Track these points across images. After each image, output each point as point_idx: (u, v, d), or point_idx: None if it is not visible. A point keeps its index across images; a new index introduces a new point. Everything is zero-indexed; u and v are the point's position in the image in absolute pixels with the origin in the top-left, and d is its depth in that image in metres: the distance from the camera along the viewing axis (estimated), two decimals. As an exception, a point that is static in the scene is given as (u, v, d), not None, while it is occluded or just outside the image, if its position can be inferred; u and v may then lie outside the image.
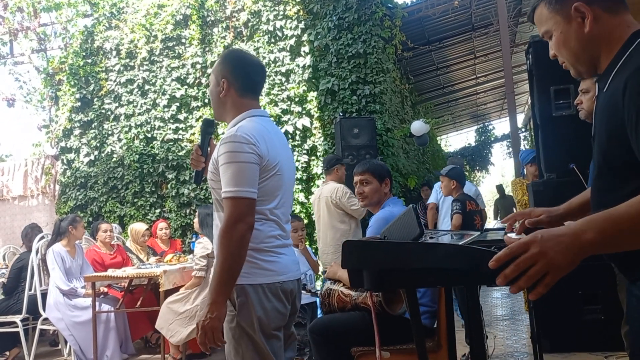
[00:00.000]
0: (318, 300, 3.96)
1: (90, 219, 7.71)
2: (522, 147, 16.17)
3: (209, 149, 2.15)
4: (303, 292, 4.00)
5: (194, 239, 6.12)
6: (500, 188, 12.93)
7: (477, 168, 18.28)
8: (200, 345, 1.80)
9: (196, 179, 2.18)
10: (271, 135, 1.98)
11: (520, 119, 17.01)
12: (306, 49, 7.18)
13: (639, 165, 1.19)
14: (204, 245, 4.58)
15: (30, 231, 5.85)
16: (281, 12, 7.33)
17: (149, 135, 7.83)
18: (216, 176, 1.91)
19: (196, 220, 5.08)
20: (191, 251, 5.86)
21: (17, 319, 5.15)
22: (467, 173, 18.69)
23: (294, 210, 6.78)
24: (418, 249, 1.24)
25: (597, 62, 1.35)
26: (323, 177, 6.91)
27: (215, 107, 2.09)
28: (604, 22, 1.31)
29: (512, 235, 1.60)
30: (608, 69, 1.32)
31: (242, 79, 2.02)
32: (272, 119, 7.29)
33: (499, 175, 34.15)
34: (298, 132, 7.08)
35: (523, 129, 16.68)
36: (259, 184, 1.87)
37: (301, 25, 7.23)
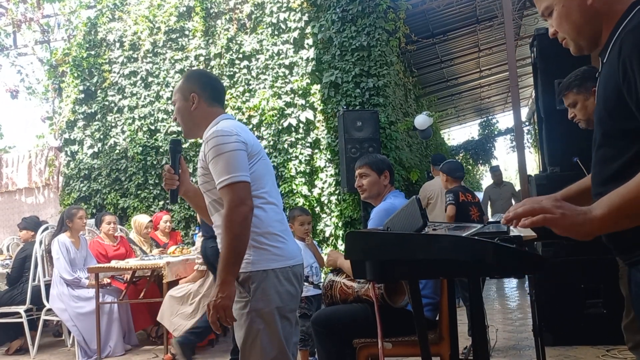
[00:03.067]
0: (322, 292, 3.99)
1: (94, 211, 7.73)
2: (525, 141, 16.13)
3: (180, 168, 2.24)
4: (306, 284, 4.02)
5: (196, 231, 6.14)
6: (495, 171, 9.81)
7: (480, 162, 18.23)
8: (212, 324, 1.88)
9: (172, 198, 2.27)
10: (247, 130, 2.12)
11: (524, 112, 16.95)
12: (310, 41, 7.16)
13: (634, 133, 1.19)
14: (205, 239, 4.59)
15: (39, 220, 5.91)
16: (285, 4, 7.30)
17: (153, 128, 7.83)
18: (209, 176, 2.01)
19: (199, 213, 5.09)
20: (194, 243, 5.88)
21: (20, 309, 5.19)
22: (469, 167, 18.63)
23: (298, 203, 6.79)
24: (421, 240, 1.24)
25: (599, 35, 1.35)
26: (325, 170, 6.93)
27: (186, 123, 2.18)
28: None
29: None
30: (608, 40, 1.32)
31: (210, 90, 2.16)
32: (275, 111, 7.26)
33: (502, 169, 34.03)
34: (301, 125, 7.08)
35: (527, 123, 16.63)
36: (249, 170, 1.97)
37: (305, 17, 7.20)
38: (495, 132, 18.40)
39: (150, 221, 6.20)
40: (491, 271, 1.20)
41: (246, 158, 1.96)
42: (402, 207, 1.40)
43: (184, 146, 7.63)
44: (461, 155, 17.81)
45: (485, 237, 1.25)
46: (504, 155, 22.79)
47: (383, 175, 3.09)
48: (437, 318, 2.85)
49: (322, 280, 4.19)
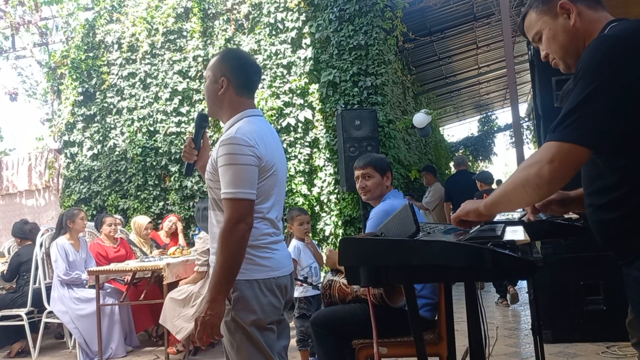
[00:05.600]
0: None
1: (94, 212, 7.74)
2: (525, 137, 16.12)
3: (202, 142, 2.20)
4: (305, 285, 4.03)
5: (196, 232, 6.15)
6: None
7: (480, 158, 18.26)
8: (198, 340, 1.87)
9: (187, 171, 2.24)
10: (267, 135, 2.02)
11: (524, 108, 16.94)
12: (307, 41, 7.16)
13: (614, 150, 1.28)
14: (204, 240, 4.60)
15: (25, 225, 5.88)
16: (282, 4, 7.30)
17: (152, 129, 7.83)
18: (215, 176, 1.96)
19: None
20: (194, 243, 5.89)
21: (22, 312, 5.20)
22: (469, 163, 18.66)
23: (297, 203, 6.80)
24: (414, 246, 1.25)
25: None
26: (325, 169, 6.94)
27: (211, 104, 2.12)
28: (587, 17, 1.45)
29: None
30: None
31: (241, 78, 2.06)
32: (274, 111, 7.26)
33: (502, 165, 34.07)
34: (300, 125, 7.08)
35: (526, 118, 16.62)
36: (257, 185, 1.92)
37: (302, 17, 7.20)
38: (495, 128, 18.42)
39: (151, 222, 6.21)
40: (485, 276, 1.22)
41: (256, 174, 1.91)
42: (395, 212, 1.41)
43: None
44: (461, 151, 17.80)
45: (478, 242, 1.26)
46: (504, 151, 22.79)
47: (385, 177, 3.07)
48: (436, 318, 2.86)
49: (321, 280, 4.20)
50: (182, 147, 7.66)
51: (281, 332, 2.08)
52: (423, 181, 8.23)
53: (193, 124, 7.49)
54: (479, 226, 1.60)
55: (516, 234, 1.56)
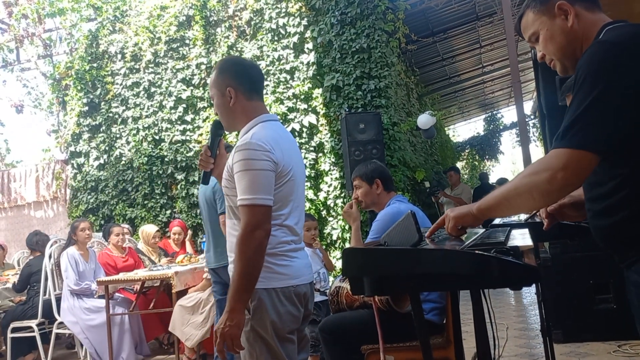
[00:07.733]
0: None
1: (102, 222, 7.77)
2: (531, 135, 16.06)
3: (217, 151, 2.16)
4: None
5: (204, 239, 6.16)
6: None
7: (487, 157, 18.19)
8: (218, 352, 1.82)
9: (204, 179, 2.21)
10: (283, 140, 1.98)
11: (529, 105, 16.87)
12: (310, 45, 7.17)
13: (612, 157, 1.28)
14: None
15: (35, 237, 5.92)
16: (283, 10, 7.32)
17: (157, 137, 7.87)
18: (231, 183, 1.92)
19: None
20: (202, 251, 5.90)
21: (33, 323, 5.23)
22: (475, 163, 18.59)
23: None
24: (418, 254, 1.25)
25: (580, 56, 1.44)
26: (330, 173, 6.95)
27: (226, 119, 2.08)
28: (584, 18, 1.45)
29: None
30: None
31: (246, 81, 2.02)
32: (278, 116, 7.30)
33: (509, 163, 33.96)
34: (305, 130, 7.09)
35: (532, 116, 16.54)
36: (274, 191, 1.88)
37: (304, 22, 7.22)
38: (501, 127, 18.36)
39: (158, 231, 6.23)
40: (492, 283, 1.22)
41: (273, 179, 1.86)
42: (398, 221, 1.41)
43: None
44: (467, 151, 17.75)
45: (482, 248, 1.25)
46: (511, 149, 22.71)
47: (375, 185, 3.16)
48: (444, 322, 2.85)
49: (328, 284, 4.20)
50: (188, 155, 7.74)
51: (302, 345, 2.04)
52: (448, 180, 8.75)
53: (199, 132, 7.53)
54: (482, 231, 1.59)
55: (522, 238, 1.55)
